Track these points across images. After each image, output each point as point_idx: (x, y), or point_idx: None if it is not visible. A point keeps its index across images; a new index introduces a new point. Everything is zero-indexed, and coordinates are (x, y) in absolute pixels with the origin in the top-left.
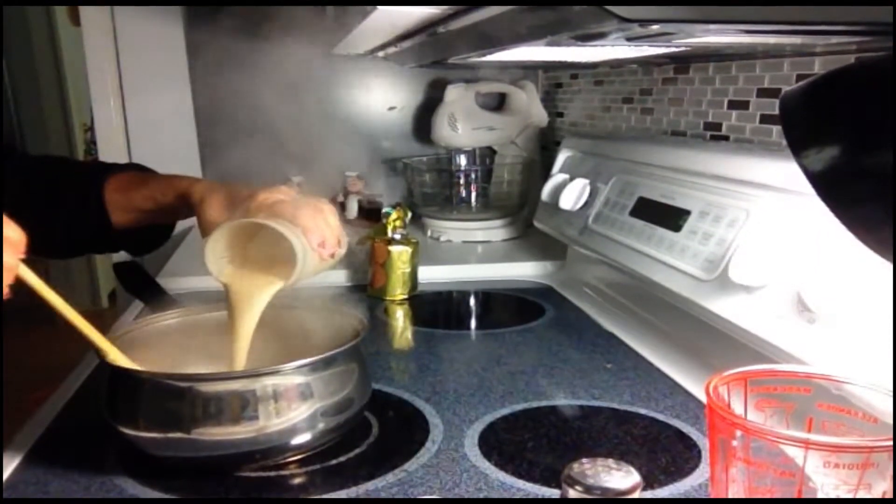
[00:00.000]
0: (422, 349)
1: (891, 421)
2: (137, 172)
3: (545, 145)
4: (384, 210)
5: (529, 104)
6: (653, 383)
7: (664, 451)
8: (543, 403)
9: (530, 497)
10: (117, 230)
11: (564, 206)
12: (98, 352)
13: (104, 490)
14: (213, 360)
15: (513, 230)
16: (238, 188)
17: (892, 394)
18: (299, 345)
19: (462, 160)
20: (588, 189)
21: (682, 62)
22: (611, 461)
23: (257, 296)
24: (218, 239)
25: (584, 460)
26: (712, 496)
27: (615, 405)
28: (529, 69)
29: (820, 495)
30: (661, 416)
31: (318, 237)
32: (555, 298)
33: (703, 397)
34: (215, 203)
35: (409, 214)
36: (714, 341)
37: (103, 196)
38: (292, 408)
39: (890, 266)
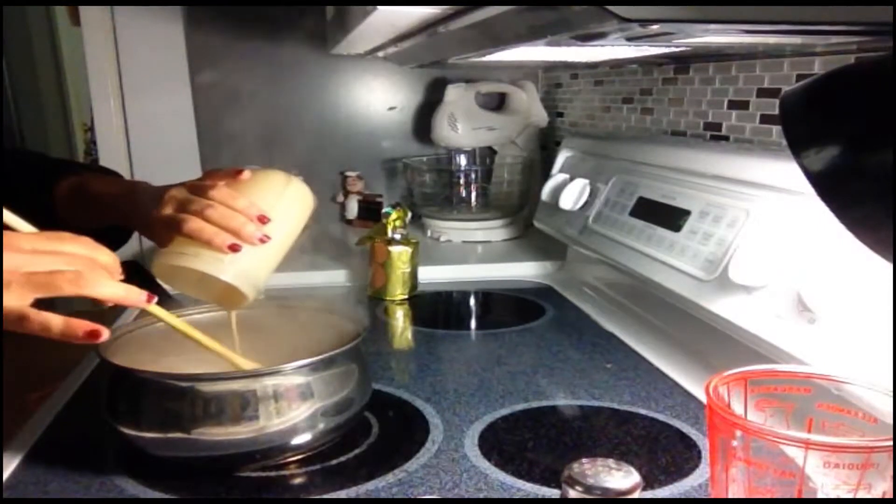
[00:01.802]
0: (422, 349)
1: (891, 421)
2: (96, 173)
3: (545, 145)
4: (384, 210)
5: (529, 104)
6: (653, 383)
7: (664, 451)
8: (543, 403)
9: (530, 497)
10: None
11: (564, 206)
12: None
13: (104, 490)
14: (213, 361)
15: (513, 230)
16: (157, 193)
17: (892, 394)
18: (299, 345)
19: (462, 160)
20: (588, 189)
21: (682, 62)
22: (611, 461)
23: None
24: (159, 266)
25: (584, 460)
26: (712, 496)
27: (615, 405)
28: (529, 69)
29: (820, 495)
30: (661, 416)
31: (218, 240)
32: (555, 298)
33: (703, 397)
34: (145, 200)
35: (409, 214)
36: (714, 341)
37: (54, 193)
38: (292, 408)
39: (890, 266)
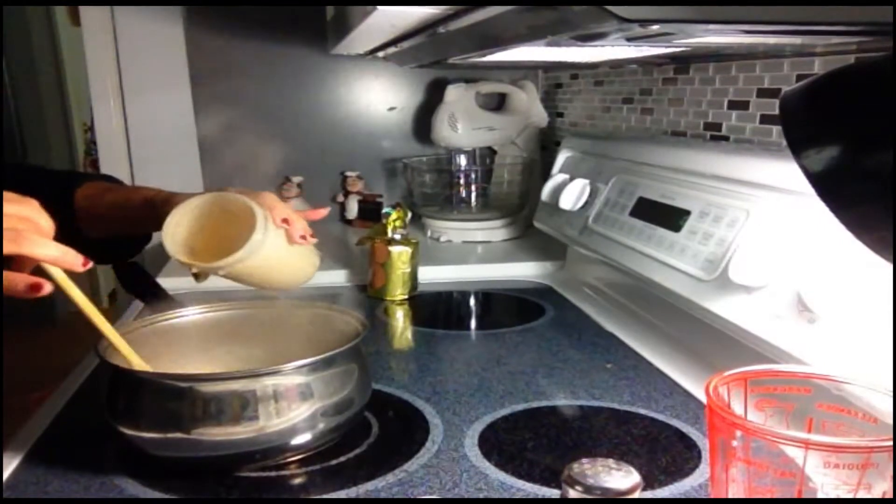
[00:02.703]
0: (422, 349)
1: (891, 421)
2: (106, 182)
3: (545, 145)
4: (384, 210)
5: (529, 104)
6: (653, 383)
7: (664, 451)
8: (543, 403)
9: (530, 497)
10: (90, 241)
11: (564, 206)
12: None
13: (104, 490)
14: (212, 361)
15: (513, 230)
16: (174, 199)
17: (892, 394)
18: (299, 345)
19: (462, 160)
20: (588, 189)
21: (682, 62)
22: (611, 461)
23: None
24: (178, 221)
25: (584, 460)
26: (712, 496)
27: (615, 405)
28: (529, 69)
29: (820, 495)
30: (661, 416)
31: (281, 213)
32: (555, 298)
33: (703, 397)
34: (165, 209)
35: (409, 214)
36: (714, 341)
37: (73, 204)
38: (292, 408)
39: (890, 266)
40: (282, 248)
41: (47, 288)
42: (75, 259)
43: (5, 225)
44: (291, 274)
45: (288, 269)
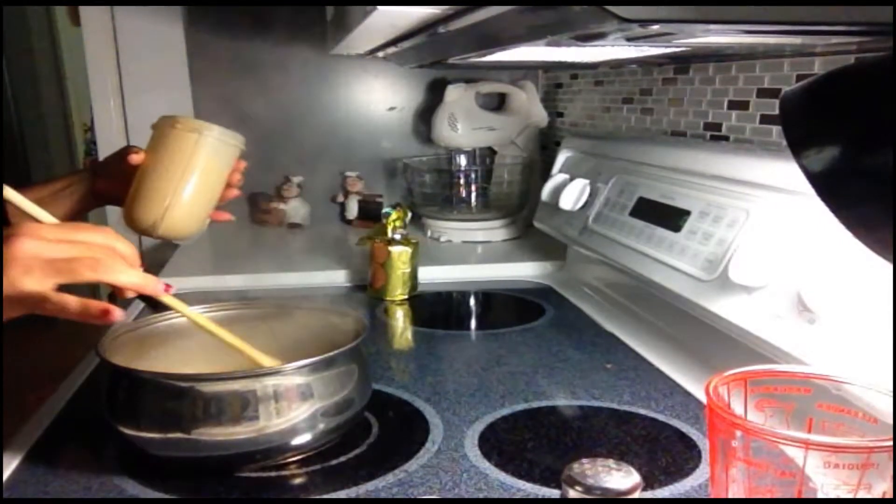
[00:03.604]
0: (422, 349)
1: (891, 421)
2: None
3: (545, 145)
4: (384, 210)
5: (529, 104)
6: (653, 383)
7: (664, 451)
8: (543, 403)
9: (530, 497)
10: None
11: (564, 207)
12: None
13: (104, 490)
14: (213, 361)
15: (513, 230)
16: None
17: (892, 394)
18: (299, 345)
19: (462, 160)
20: (588, 189)
21: (682, 62)
22: (611, 461)
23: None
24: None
25: (584, 460)
26: (712, 496)
27: (615, 405)
28: (529, 69)
29: (820, 495)
30: (661, 416)
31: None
32: (555, 298)
33: (703, 397)
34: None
35: (409, 214)
36: (714, 341)
37: None
38: (292, 408)
39: (890, 266)
40: (220, 175)
41: (118, 314)
42: (156, 285)
43: (83, 253)
44: (190, 204)
45: (199, 194)
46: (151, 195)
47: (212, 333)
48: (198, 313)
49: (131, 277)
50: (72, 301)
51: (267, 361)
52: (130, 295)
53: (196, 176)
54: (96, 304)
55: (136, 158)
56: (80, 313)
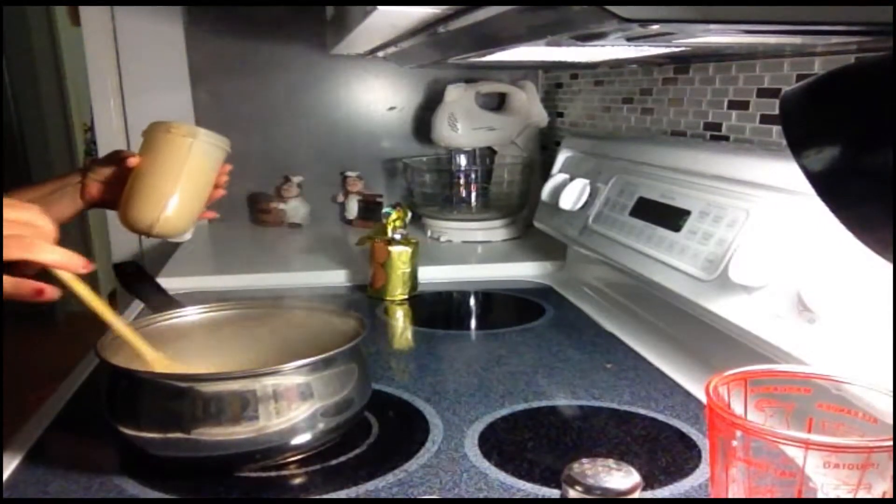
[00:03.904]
0: (422, 349)
1: (891, 421)
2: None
3: (545, 145)
4: (384, 210)
5: (529, 104)
6: (653, 383)
7: (664, 451)
8: (543, 403)
9: (530, 497)
10: None
11: (564, 206)
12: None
13: (104, 490)
14: (212, 361)
15: (513, 230)
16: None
17: (892, 394)
18: (299, 345)
19: (462, 160)
20: (588, 189)
21: (682, 62)
22: (611, 461)
23: None
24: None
25: (584, 460)
26: (712, 496)
27: (615, 405)
28: (529, 69)
29: (820, 495)
30: (661, 416)
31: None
32: (555, 298)
33: (703, 397)
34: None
35: (409, 214)
36: (714, 341)
37: None
38: (292, 408)
39: (890, 266)
40: (210, 176)
41: (51, 293)
42: (78, 261)
43: (9, 231)
44: (185, 203)
45: (193, 195)
46: (148, 197)
47: (111, 324)
48: (99, 302)
49: (55, 255)
50: (6, 281)
51: (150, 356)
52: (57, 273)
53: (190, 178)
54: (29, 284)
55: (132, 161)
56: (13, 294)
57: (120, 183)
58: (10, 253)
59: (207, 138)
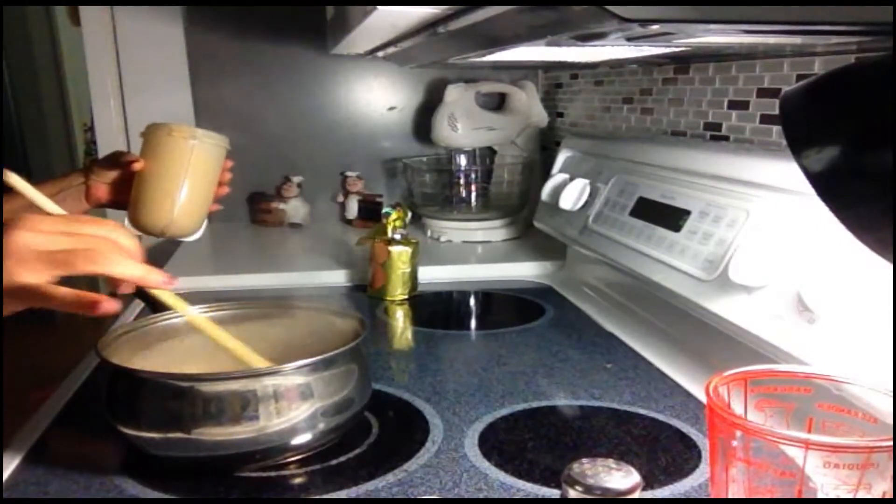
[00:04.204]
0: (422, 349)
1: (891, 421)
2: None
3: (545, 145)
4: (384, 210)
5: (529, 104)
6: (653, 383)
7: (664, 451)
8: (543, 403)
9: (530, 497)
10: None
11: (564, 206)
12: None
13: (104, 490)
14: (213, 361)
15: (513, 230)
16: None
17: (892, 394)
18: (299, 345)
19: (462, 160)
20: (588, 189)
21: (682, 62)
22: (611, 461)
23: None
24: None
25: (584, 460)
26: (712, 496)
27: (615, 405)
28: (529, 69)
29: (820, 495)
30: (661, 416)
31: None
32: (555, 298)
33: (703, 397)
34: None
35: (409, 214)
36: (714, 341)
37: None
38: (292, 408)
39: (890, 266)
40: (214, 175)
41: (107, 306)
42: (158, 276)
43: (82, 245)
44: (195, 203)
45: (200, 196)
46: (158, 201)
47: (209, 336)
48: (197, 314)
49: (130, 269)
50: (67, 294)
51: (258, 362)
52: (127, 290)
53: (195, 179)
54: (89, 296)
55: (137, 166)
56: (76, 304)
57: (125, 184)
58: (81, 266)
59: (208, 139)
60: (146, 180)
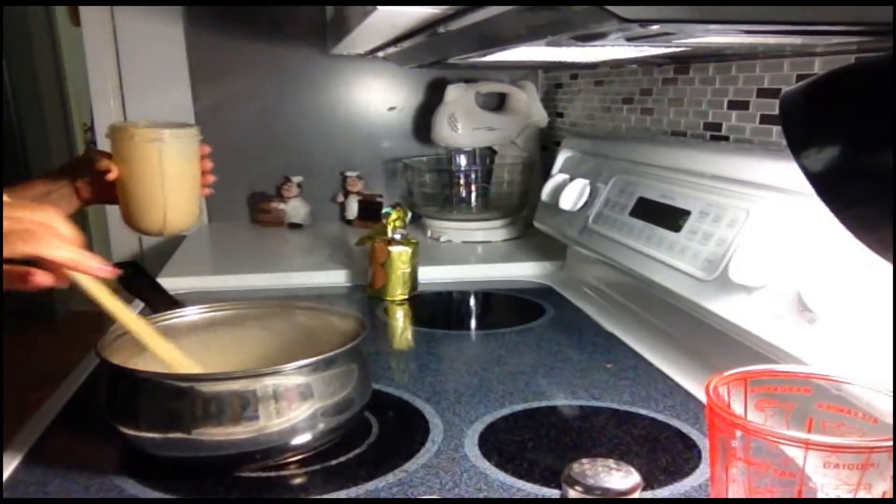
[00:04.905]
0: (422, 349)
1: (891, 421)
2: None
3: (545, 145)
4: (384, 210)
5: (529, 104)
6: (653, 383)
7: (664, 451)
8: (543, 403)
9: (530, 497)
10: None
11: (564, 207)
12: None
13: (104, 490)
14: (213, 361)
15: (513, 230)
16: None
17: (892, 394)
18: (299, 345)
19: (462, 160)
20: (588, 189)
21: (682, 62)
22: (611, 461)
23: None
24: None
25: (584, 460)
26: (712, 496)
27: (615, 405)
28: (529, 69)
29: (820, 495)
30: (661, 416)
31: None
32: (555, 298)
33: (703, 397)
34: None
35: (409, 214)
36: (714, 341)
37: None
38: (292, 408)
39: (890, 266)
40: (193, 168)
41: (41, 279)
42: (95, 263)
43: (19, 227)
44: (183, 200)
45: (185, 191)
46: (146, 207)
47: (138, 338)
48: (129, 312)
49: (63, 252)
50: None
51: (185, 367)
52: (63, 284)
53: (173, 179)
54: (15, 269)
55: (111, 176)
56: (7, 279)
57: (110, 184)
58: (16, 248)
59: (173, 138)
60: (125, 187)
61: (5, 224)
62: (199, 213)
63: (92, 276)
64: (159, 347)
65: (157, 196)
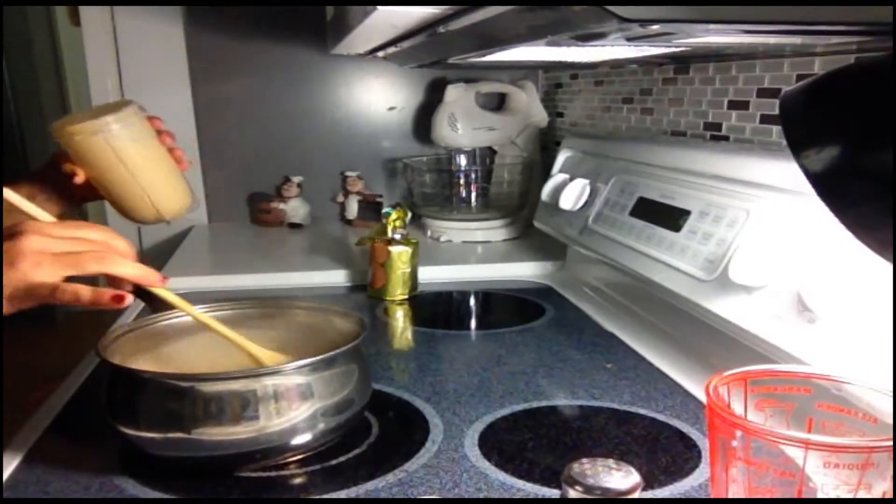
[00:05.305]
0: (422, 349)
1: (891, 421)
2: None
3: (545, 145)
4: (384, 210)
5: (529, 104)
6: (653, 383)
7: (664, 451)
8: (543, 403)
9: (530, 497)
10: None
11: (564, 206)
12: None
13: (104, 490)
14: (213, 361)
15: (513, 230)
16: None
17: (892, 394)
18: (299, 345)
19: (462, 160)
20: (588, 189)
21: (682, 62)
22: (611, 461)
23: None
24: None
25: (584, 460)
26: (712, 496)
27: (615, 405)
28: (529, 69)
29: (820, 495)
30: (661, 416)
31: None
32: (555, 298)
33: (703, 397)
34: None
35: (409, 214)
36: (714, 341)
37: None
38: (293, 408)
39: (890, 266)
40: (153, 146)
41: (129, 300)
42: (155, 277)
43: (87, 248)
44: (163, 183)
45: (159, 172)
46: (127, 198)
47: (212, 329)
48: (196, 310)
49: (131, 269)
50: (84, 290)
51: (268, 358)
52: (128, 288)
53: (139, 161)
54: (108, 292)
55: (78, 180)
56: (93, 301)
57: (87, 184)
58: (89, 267)
59: (117, 123)
60: (98, 184)
61: (71, 245)
62: (191, 191)
63: (155, 287)
64: (244, 342)
65: (131, 185)
